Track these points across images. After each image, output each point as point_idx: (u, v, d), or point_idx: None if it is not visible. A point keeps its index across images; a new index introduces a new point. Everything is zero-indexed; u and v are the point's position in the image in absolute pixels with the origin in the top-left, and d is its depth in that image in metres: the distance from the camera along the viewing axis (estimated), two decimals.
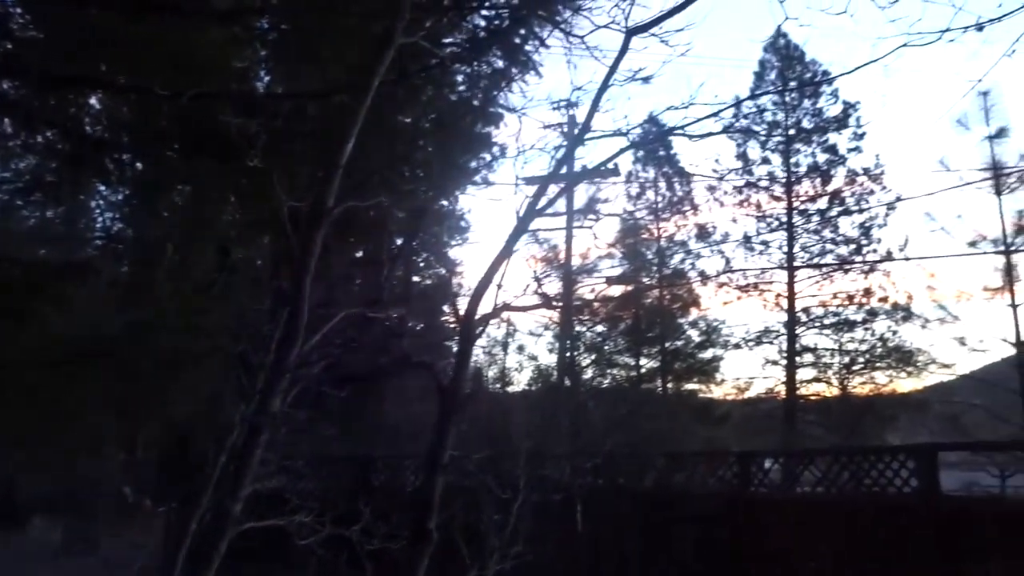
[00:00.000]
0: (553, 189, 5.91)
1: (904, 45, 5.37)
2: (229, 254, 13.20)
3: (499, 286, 5.43)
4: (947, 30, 6.02)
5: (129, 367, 10.44)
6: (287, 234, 5.03)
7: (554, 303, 6.64)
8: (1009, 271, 15.23)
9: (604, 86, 4.78)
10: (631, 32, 4.76)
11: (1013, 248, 15.33)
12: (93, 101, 11.30)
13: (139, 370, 10.60)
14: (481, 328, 5.83)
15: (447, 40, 11.91)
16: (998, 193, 15.49)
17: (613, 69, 4.84)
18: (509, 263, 5.31)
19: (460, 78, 11.38)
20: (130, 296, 12.05)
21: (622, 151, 5.54)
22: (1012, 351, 15.14)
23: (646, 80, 5.02)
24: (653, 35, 4.82)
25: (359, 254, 15.26)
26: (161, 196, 12.38)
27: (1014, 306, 15.13)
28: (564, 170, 11.08)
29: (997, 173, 15.39)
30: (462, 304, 6.29)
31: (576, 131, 5.71)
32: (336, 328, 6.04)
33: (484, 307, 5.77)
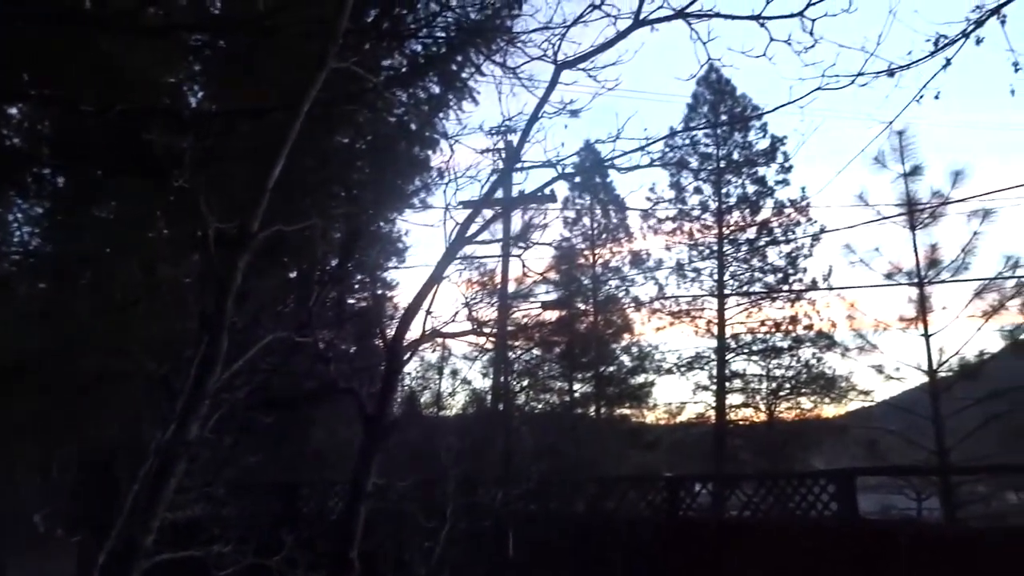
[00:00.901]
0: (485, 216, 5.96)
1: (819, 88, 5.65)
2: (155, 273, 12.82)
3: (428, 312, 5.44)
4: (860, 74, 6.37)
5: (46, 387, 10.03)
6: (211, 256, 4.94)
7: (484, 330, 6.66)
8: (922, 302, 15.94)
9: (534, 117, 4.87)
10: (560, 66, 4.87)
11: (926, 280, 16.08)
12: (13, 111, 10.92)
13: (57, 391, 10.19)
14: (409, 354, 5.81)
15: (387, 62, 11.96)
16: (912, 228, 16.24)
17: (543, 101, 4.95)
18: (439, 289, 5.32)
19: (400, 102, 11.41)
20: (48, 314, 11.57)
21: (552, 181, 5.66)
22: (925, 379, 15.82)
23: (574, 113, 5.15)
24: (582, 70, 4.94)
25: (292, 274, 15.03)
26: (83, 211, 11.98)
27: (927, 336, 15.83)
28: (500, 195, 11.18)
29: (912, 209, 16.16)
30: (392, 329, 6.27)
31: (510, 159, 5.80)
32: (263, 352, 5.94)
33: (414, 333, 5.77)
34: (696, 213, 25.71)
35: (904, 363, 16.63)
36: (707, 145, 25.76)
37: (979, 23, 5.90)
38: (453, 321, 5.87)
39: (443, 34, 9.02)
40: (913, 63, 6.26)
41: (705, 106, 25.92)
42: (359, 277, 12.33)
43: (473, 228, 5.61)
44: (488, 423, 17.83)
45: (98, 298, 11.66)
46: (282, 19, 9.29)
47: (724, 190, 25.52)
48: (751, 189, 25.33)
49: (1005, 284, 15.49)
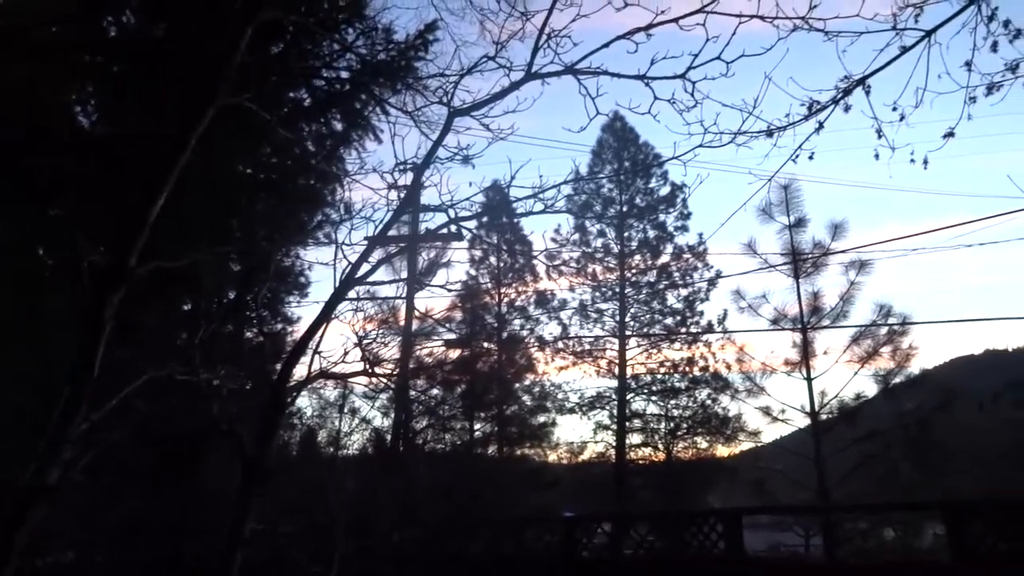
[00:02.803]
0: (378, 256, 5.96)
1: (700, 145, 5.96)
2: (36, 303, 12.10)
3: (317, 351, 5.35)
4: (740, 133, 6.75)
5: None
6: (86, 290, 4.74)
7: (378, 370, 6.60)
8: (805, 347, 16.77)
9: (427, 161, 4.93)
10: (454, 112, 4.97)
11: (809, 326, 16.95)
12: None
13: None
14: (293, 395, 5.68)
15: (293, 94, 11.86)
16: (797, 276, 17.16)
17: (436, 145, 5.03)
18: (327, 328, 5.25)
19: (302, 136, 11.30)
20: None
21: (445, 225, 5.72)
22: (808, 421, 16.57)
23: (467, 160, 5.25)
24: (475, 117, 5.06)
25: (186, 307, 14.47)
26: None
27: (809, 379, 16.63)
28: (394, 232, 11.17)
29: (796, 258, 17.08)
30: (282, 367, 6.12)
31: (404, 201, 5.84)
32: (141, 390, 5.70)
33: (304, 371, 5.65)
34: (600, 255, 26.38)
35: (789, 405, 17.39)
36: (611, 190, 26.56)
37: (847, 91, 6.36)
38: (344, 361, 5.80)
39: (347, 73, 9.04)
40: (789, 125, 6.68)
41: (609, 152, 26.80)
42: (258, 311, 11.97)
43: (365, 267, 5.58)
44: (387, 463, 17.51)
45: None
46: (180, 47, 9.12)
47: (626, 234, 26.31)
48: (652, 234, 26.19)
49: (879, 331, 16.51)
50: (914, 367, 16.78)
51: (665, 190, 26.35)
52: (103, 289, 4.29)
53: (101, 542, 11.21)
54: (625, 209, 26.30)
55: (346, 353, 5.76)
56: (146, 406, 6.69)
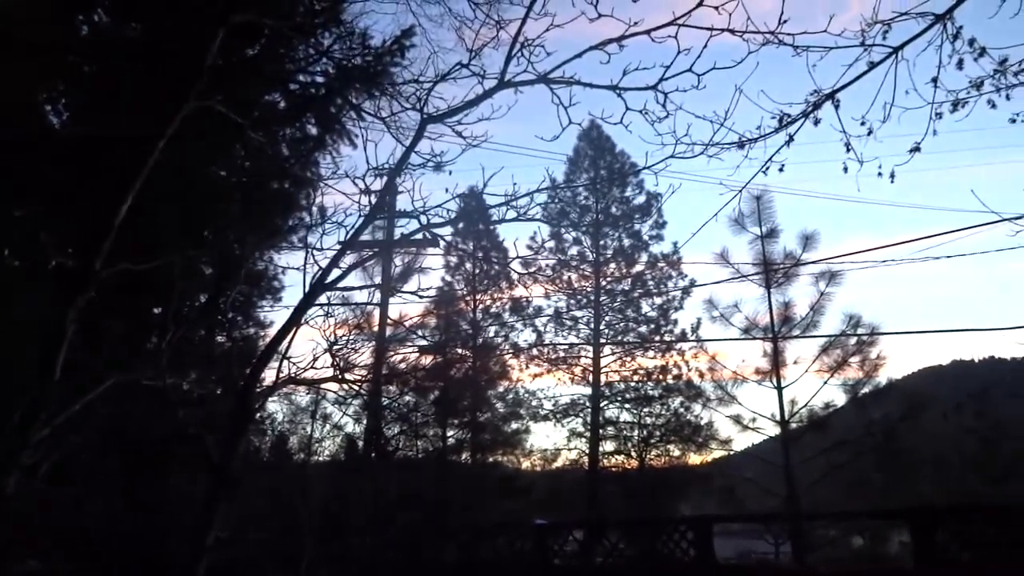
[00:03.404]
0: (348, 262, 5.94)
1: (671, 156, 6.01)
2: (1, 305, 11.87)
3: (286, 357, 5.31)
4: (711, 144, 6.82)
5: None
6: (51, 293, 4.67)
7: (348, 376, 6.55)
8: (776, 356, 16.96)
9: (399, 167, 4.92)
10: (426, 119, 4.98)
11: (779, 336, 17.14)
12: None
13: None
14: (261, 401, 5.63)
15: (268, 97, 11.76)
16: (768, 287, 17.35)
17: (409, 151, 5.03)
18: (296, 333, 5.22)
19: (276, 139, 11.22)
20: None
21: (417, 231, 5.71)
22: (778, 429, 16.73)
23: (438, 167, 5.25)
24: (448, 124, 5.07)
25: (157, 311, 14.26)
26: None
27: (779, 388, 16.80)
28: (368, 238, 11.14)
29: (767, 268, 17.27)
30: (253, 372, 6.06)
31: (375, 206, 5.83)
32: (107, 395, 5.61)
33: (274, 377, 5.60)
34: (575, 263, 26.48)
35: (759, 414, 17.56)
36: (586, 198, 26.69)
37: (816, 105, 6.45)
38: (313, 367, 5.76)
39: (322, 78, 9.00)
40: (760, 137, 6.75)
41: (586, 160, 26.93)
42: (225, 315, 11.83)
43: (337, 273, 5.56)
44: (359, 469, 17.40)
45: None
46: (153, 48, 9.02)
47: (602, 242, 26.44)
48: (627, 242, 26.36)
49: (848, 341, 16.74)
50: (882, 377, 17.06)
51: (640, 199, 26.58)
52: (67, 292, 4.23)
53: (65, 550, 11.00)
54: (601, 217, 26.45)
55: (316, 359, 5.74)
56: (114, 411, 6.59)
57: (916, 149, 6.09)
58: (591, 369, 25.51)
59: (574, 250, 26.62)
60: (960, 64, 5.68)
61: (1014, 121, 5.98)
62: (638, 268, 26.18)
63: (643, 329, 25.94)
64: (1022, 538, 9.69)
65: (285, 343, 5.08)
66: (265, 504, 13.75)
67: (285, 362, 5.47)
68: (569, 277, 26.49)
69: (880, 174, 6.35)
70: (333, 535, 13.77)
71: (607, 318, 26.26)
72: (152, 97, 8.89)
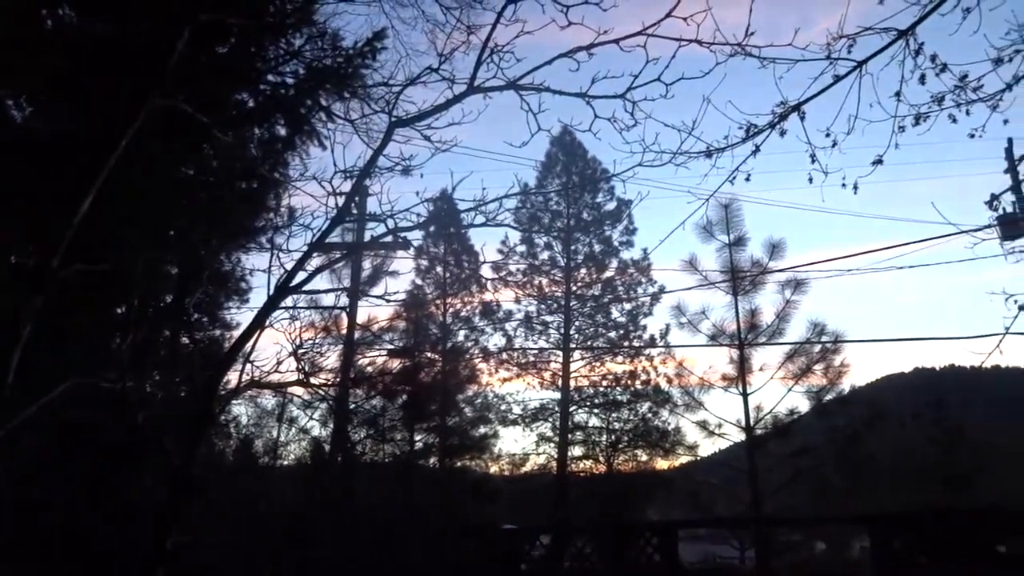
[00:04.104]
0: (315, 264, 5.89)
1: (639, 164, 6.06)
2: None
3: (249, 360, 5.25)
4: (679, 153, 6.89)
5: None
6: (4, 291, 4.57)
7: (313, 380, 6.47)
8: (742, 363, 17.14)
9: (366, 171, 4.90)
10: (394, 123, 4.96)
11: (746, 343, 17.33)
12: None
13: None
14: (223, 405, 5.56)
15: (239, 96, 11.63)
16: (735, 294, 17.54)
17: (377, 154, 5.01)
18: (260, 337, 5.16)
19: (244, 139, 11.10)
20: None
21: (385, 235, 5.69)
22: (744, 435, 16.91)
23: (406, 171, 5.24)
24: (416, 129, 5.05)
25: (120, 310, 14.01)
26: None
27: (745, 395, 16.99)
28: (339, 240, 11.08)
29: (735, 276, 17.46)
30: (221, 375, 5.97)
31: (342, 210, 5.79)
32: (71, 397, 5.51)
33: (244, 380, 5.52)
34: (546, 268, 26.55)
35: (726, 420, 17.74)
36: (558, 203, 26.78)
37: (783, 116, 6.54)
38: (277, 371, 5.69)
39: (292, 78, 8.93)
40: (728, 147, 6.84)
41: (558, 166, 27.01)
42: (187, 316, 11.67)
43: (303, 276, 5.51)
44: (326, 474, 17.25)
45: None
46: (119, 45, 8.87)
47: (573, 247, 26.54)
48: (598, 248, 26.48)
49: (812, 349, 16.98)
50: (845, 384, 17.32)
51: (611, 205, 26.72)
52: (24, 290, 4.15)
53: (20, 554, 10.75)
54: (572, 223, 26.56)
55: (279, 363, 5.67)
56: (75, 413, 6.46)
57: (879, 161, 6.22)
58: (560, 374, 25.57)
59: (545, 255, 26.73)
60: (923, 79, 5.81)
61: (973, 136, 6.13)
62: (608, 274, 26.34)
63: (612, 334, 26.09)
64: (978, 544, 9.89)
65: (248, 346, 5.01)
66: (229, 508, 13.55)
67: (249, 365, 5.42)
68: (540, 282, 26.57)
69: (844, 185, 6.47)
70: (299, 540, 13.63)
71: (577, 323, 26.35)
72: (117, 95, 8.75)
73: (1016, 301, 6.44)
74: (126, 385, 5.57)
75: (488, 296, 25.66)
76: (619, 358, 25.82)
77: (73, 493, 10.93)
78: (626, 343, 25.56)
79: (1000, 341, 6.55)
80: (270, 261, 5.23)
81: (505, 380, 25.45)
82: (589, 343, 26.29)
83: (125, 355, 5.75)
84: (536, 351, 26.13)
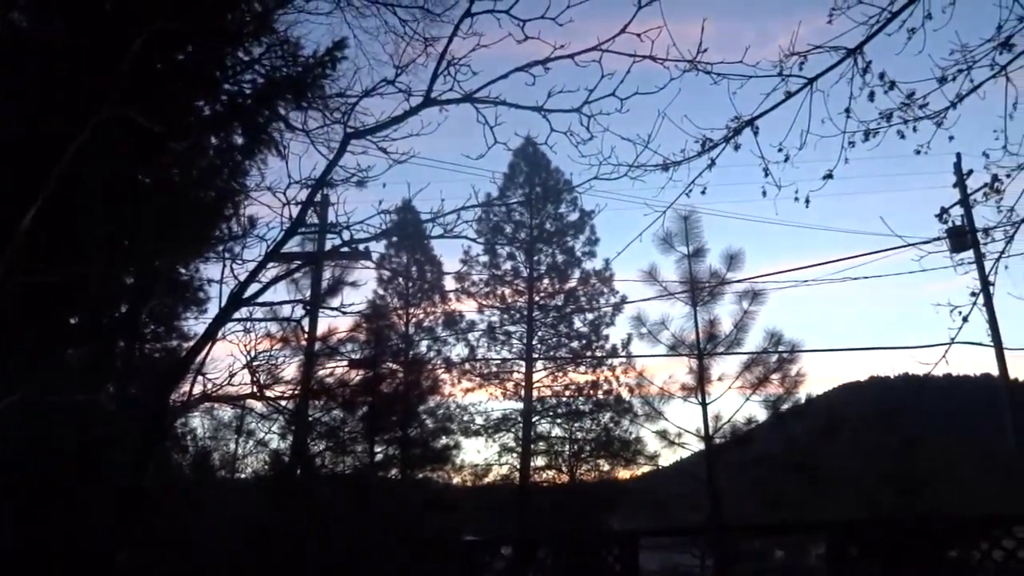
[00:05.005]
0: (271, 274, 5.83)
1: (595, 177, 6.13)
2: None
3: (201, 373, 5.16)
4: (636, 166, 6.98)
5: None
6: None
7: (268, 393, 6.38)
8: (701, 373, 17.35)
9: (321, 182, 4.88)
10: (349, 135, 4.94)
11: (705, 353, 17.55)
12: None
13: None
14: (175, 418, 5.46)
15: (199, 103, 11.48)
16: (694, 304, 17.77)
17: (332, 165, 4.99)
18: (212, 349, 5.08)
19: (201, 148, 10.96)
20: None
21: (341, 246, 5.65)
22: (703, 445, 17.11)
23: (361, 183, 5.22)
24: (371, 140, 5.04)
25: (73, 320, 13.69)
26: None
27: (704, 404, 17.19)
28: (299, 250, 10.98)
29: (694, 287, 17.70)
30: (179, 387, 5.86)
31: (296, 221, 5.75)
32: (21, 410, 5.36)
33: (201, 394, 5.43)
34: (509, 279, 26.58)
35: (685, 430, 17.92)
36: (521, 214, 26.85)
37: (737, 131, 6.66)
38: (230, 384, 5.61)
39: (250, 87, 8.85)
40: (684, 160, 6.94)
41: (521, 176, 27.09)
42: (139, 327, 11.45)
43: (257, 287, 5.45)
44: (285, 486, 16.99)
45: None
46: (73, 51, 8.71)
47: (536, 258, 26.62)
48: (560, 258, 26.60)
49: (770, 359, 17.25)
50: (802, 393, 17.61)
51: (574, 216, 26.87)
52: None
53: None
54: (535, 233, 26.65)
55: (232, 375, 5.58)
56: (25, 425, 6.29)
57: (829, 176, 6.36)
58: (523, 384, 25.57)
59: (508, 265, 26.75)
60: (872, 96, 5.97)
61: (919, 152, 6.30)
62: (571, 284, 26.45)
63: (575, 344, 26.19)
64: (929, 550, 10.10)
65: (201, 358, 4.93)
66: (186, 523, 13.28)
67: (201, 378, 5.32)
68: (503, 292, 26.58)
69: (797, 199, 6.61)
70: (256, 553, 13.40)
71: (540, 333, 26.40)
72: (69, 102, 8.58)
73: (960, 312, 6.61)
74: (77, 398, 5.44)
75: (451, 306, 25.63)
76: (581, 368, 25.95)
77: (19, 509, 10.63)
78: (588, 353, 25.71)
79: (946, 351, 6.72)
80: (222, 272, 5.17)
81: (468, 391, 25.43)
82: (552, 353, 26.38)
83: (77, 367, 5.62)
84: (499, 361, 26.15)
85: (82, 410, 5.56)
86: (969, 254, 12.69)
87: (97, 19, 8.54)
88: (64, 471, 9.19)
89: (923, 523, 11.08)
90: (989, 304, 15.39)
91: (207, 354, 4.84)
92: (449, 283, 26.15)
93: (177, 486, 14.37)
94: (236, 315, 5.37)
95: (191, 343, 15.67)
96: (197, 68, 9.59)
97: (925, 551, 10.09)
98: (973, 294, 6.64)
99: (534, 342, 26.09)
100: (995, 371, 17.45)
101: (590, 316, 26.13)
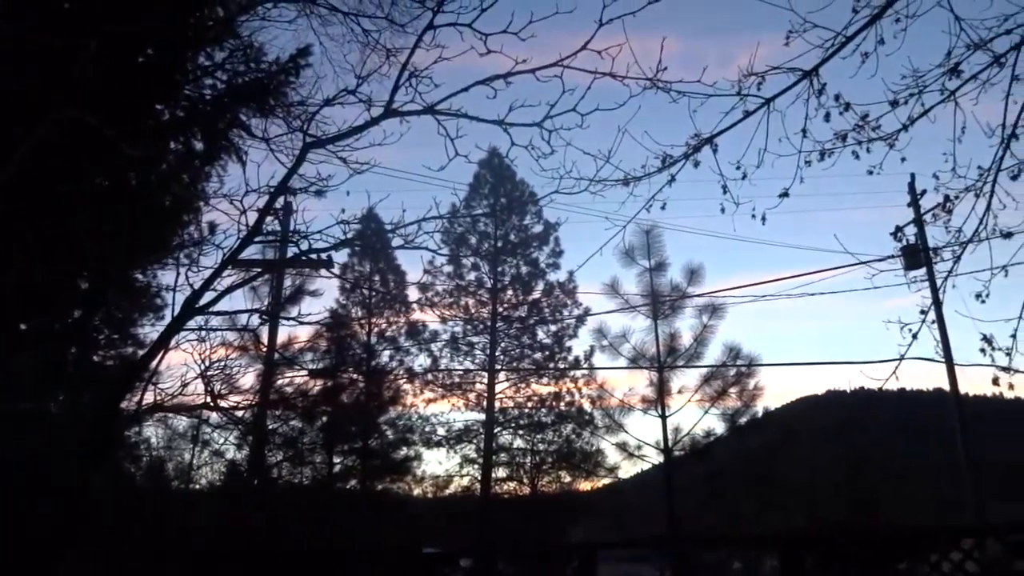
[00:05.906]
0: (227, 282, 5.75)
1: (556, 192, 6.17)
2: None
3: (152, 382, 5.07)
4: (596, 180, 7.03)
5: None
6: None
7: (222, 403, 6.28)
8: (661, 386, 17.51)
9: (279, 191, 4.84)
10: (308, 144, 4.92)
11: (665, 366, 17.71)
12: None
13: None
14: (126, 427, 5.35)
15: (159, 106, 11.29)
16: (655, 318, 17.95)
17: (290, 174, 4.95)
18: (165, 357, 4.99)
19: (164, 151, 10.78)
20: None
21: (300, 255, 5.61)
22: (662, 457, 17.24)
23: (320, 193, 5.20)
24: (330, 151, 5.02)
25: (23, 327, 13.33)
26: None
27: (663, 417, 17.34)
28: (260, 258, 10.87)
29: (655, 300, 17.89)
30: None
31: (253, 229, 5.69)
32: None
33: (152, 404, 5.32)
34: (473, 289, 26.55)
35: (645, 442, 18.04)
36: (486, 225, 26.86)
37: (696, 148, 6.76)
38: (183, 394, 5.51)
39: (210, 92, 8.73)
40: (644, 176, 7.01)
41: (486, 187, 27.13)
42: (89, 334, 11.20)
43: (213, 295, 5.37)
44: (241, 497, 16.71)
45: None
46: (26, 53, 8.53)
47: (500, 269, 26.63)
48: (525, 270, 26.65)
49: (728, 372, 17.47)
50: (759, 406, 17.84)
51: (539, 227, 26.99)
52: None
53: None
54: (500, 244, 26.68)
55: (185, 385, 5.48)
56: None
57: (785, 194, 6.48)
58: (486, 395, 25.53)
59: (472, 276, 26.74)
60: (827, 117, 6.11)
61: (872, 172, 6.45)
62: (535, 295, 26.52)
63: (538, 356, 26.23)
64: (879, 562, 10.29)
65: (154, 366, 4.84)
66: (138, 534, 12.98)
67: (154, 387, 5.22)
68: (466, 302, 26.54)
69: (754, 216, 6.72)
70: (212, 566, 13.13)
71: (503, 344, 26.42)
72: (22, 104, 8.40)
73: (910, 329, 6.77)
74: (25, 406, 5.30)
75: (414, 316, 25.50)
76: (544, 380, 25.99)
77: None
78: (551, 365, 25.75)
79: (896, 367, 6.86)
80: (176, 279, 5.09)
81: (430, 401, 25.30)
82: (515, 365, 26.39)
83: (28, 374, 5.47)
84: (462, 372, 26.08)
85: (30, 418, 5.41)
86: (922, 272, 13.00)
87: (55, 19, 8.37)
88: (8, 481, 8.92)
89: (874, 535, 11.27)
90: (941, 321, 15.78)
91: (160, 362, 4.75)
92: (412, 293, 26.07)
93: (129, 496, 14.03)
94: (191, 323, 5.30)
95: (145, 351, 15.36)
96: (157, 72, 9.44)
97: (876, 563, 10.28)
98: (923, 312, 6.81)
99: (497, 353, 26.09)
100: (947, 386, 17.88)
101: (553, 328, 26.23)
